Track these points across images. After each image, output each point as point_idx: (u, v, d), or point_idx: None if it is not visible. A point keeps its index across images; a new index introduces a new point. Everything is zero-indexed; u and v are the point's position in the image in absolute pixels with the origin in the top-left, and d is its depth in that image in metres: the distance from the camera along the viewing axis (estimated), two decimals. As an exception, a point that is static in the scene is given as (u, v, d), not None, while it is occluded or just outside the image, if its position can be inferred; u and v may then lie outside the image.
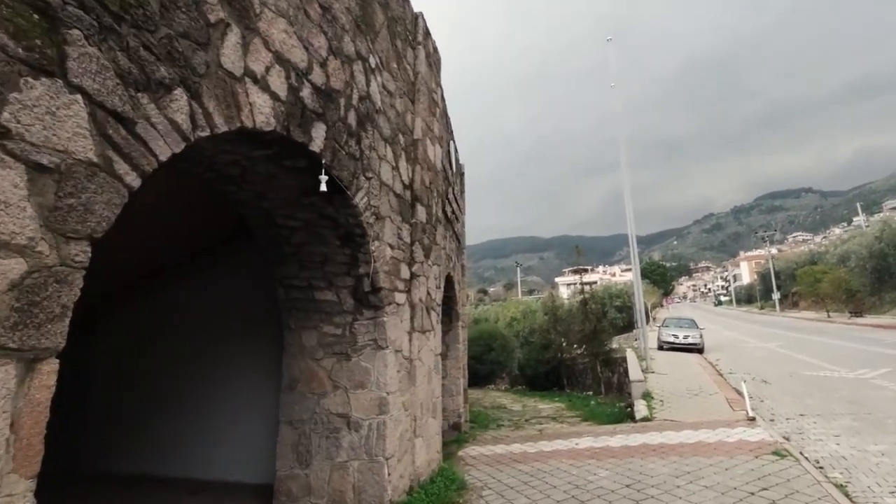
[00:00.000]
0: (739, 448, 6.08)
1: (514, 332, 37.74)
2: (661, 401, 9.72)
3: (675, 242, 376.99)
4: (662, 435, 7.23)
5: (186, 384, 6.62)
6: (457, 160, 10.64)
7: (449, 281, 9.04)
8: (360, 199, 4.34)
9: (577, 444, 7.46)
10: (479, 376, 32.42)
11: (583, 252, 25.74)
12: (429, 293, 5.99)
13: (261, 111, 2.79)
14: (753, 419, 7.49)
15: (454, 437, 9.38)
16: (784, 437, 6.53)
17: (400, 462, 4.87)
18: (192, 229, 6.23)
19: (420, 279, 5.77)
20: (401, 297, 5.22)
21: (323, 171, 3.61)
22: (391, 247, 5.02)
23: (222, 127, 2.50)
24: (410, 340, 5.41)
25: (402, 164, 5.47)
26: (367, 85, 4.52)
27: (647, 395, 10.10)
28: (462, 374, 10.26)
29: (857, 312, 35.91)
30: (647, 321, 38.38)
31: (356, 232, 4.45)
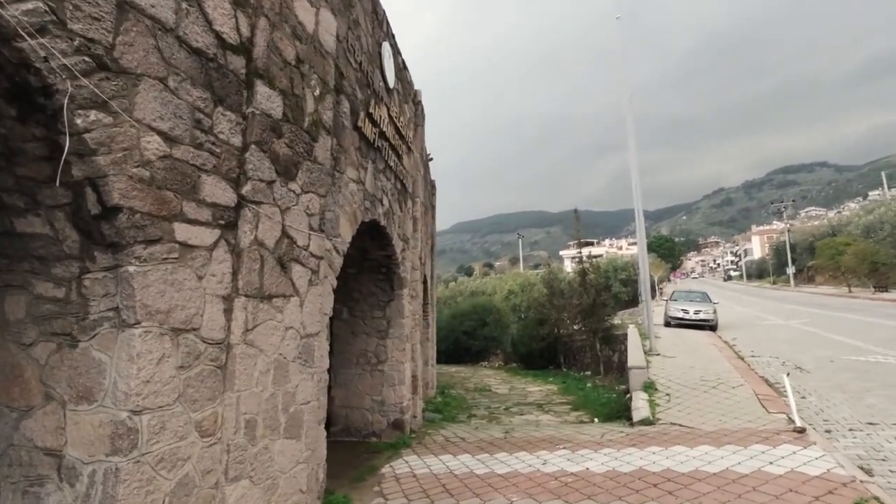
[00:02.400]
0: (795, 490, 3.75)
1: (512, 305, 35.48)
2: (668, 395, 7.38)
3: (685, 218, 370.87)
4: (669, 453, 4.92)
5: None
6: (406, 81, 8.12)
7: (380, 232, 6.66)
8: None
9: (544, 463, 5.17)
10: (473, 353, 30.47)
11: (581, 219, 23.14)
12: (289, 237, 3.62)
13: None
14: (803, 431, 5.14)
15: (393, 439, 7.16)
16: (863, 469, 4.19)
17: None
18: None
19: (266, 209, 3.39)
20: (198, 234, 2.85)
21: None
22: (165, 136, 2.62)
23: None
24: (229, 313, 3.06)
25: (218, 1, 3.03)
26: None
27: (649, 386, 7.77)
28: (412, 358, 7.98)
29: (882, 287, 33.24)
30: (654, 296, 36.03)
31: (44, 82, 2.08)
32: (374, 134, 5.88)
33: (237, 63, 3.27)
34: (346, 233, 5.03)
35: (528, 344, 23.97)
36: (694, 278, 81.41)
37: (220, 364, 3.01)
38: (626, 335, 17.05)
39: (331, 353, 7.88)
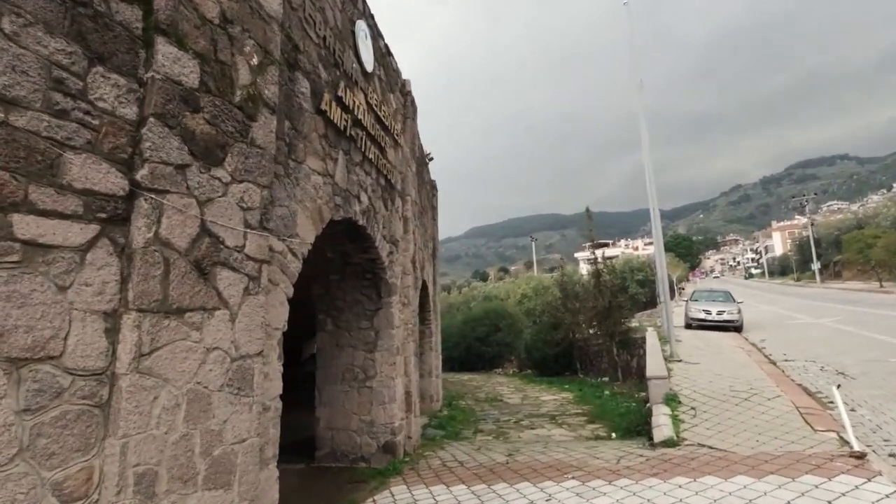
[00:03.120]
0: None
1: (525, 310, 34.56)
2: (693, 408, 6.50)
3: (701, 216, 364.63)
4: (699, 486, 4.06)
5: None
6: (392, 68, 7.41)
7: (359, 233, 5.92)
8: None
9: (548, 499, 4.34)
10: (486, 359, 29.58)
11: (595, 220, 22.22)
12: (212, 235, 2.90)
13: None
14: (863, 456, 4.25)
15: (384, 464, 6.37)
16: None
17: None
18: None
19: (175, 199, 2.67)
20: (57, 231, 2.14)
21: None
22: (-4, 97, 1.92)
23: None
24: (114, 333, 2.34)
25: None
26: None
27: (671, 399, 6.89)
28: (405, 373, 7.21)
29: (917, 281, 31.59)
30: (673, 296, 34.79)
31: None
32: (346, 121, 5.16)
33: (129, 14, 2.56)
34: (308, 232, 4.30)
35: (542, 349, 23.07)
36: (715, 277, 79.13)
37: (100, 402, 2.28)
38: (644, 339, 16.08)
39: (315, 369, 7.19)
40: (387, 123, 6.70)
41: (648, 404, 7.45)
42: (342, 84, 5.10)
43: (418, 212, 9.99)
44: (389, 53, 7.32)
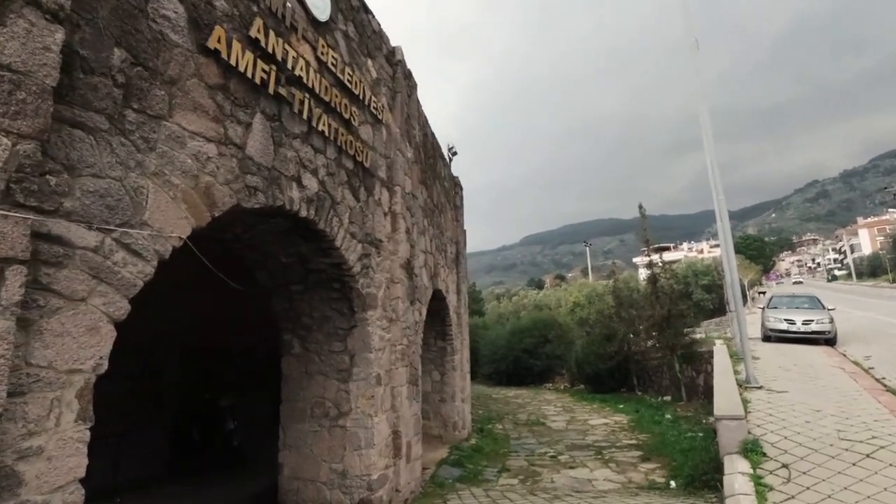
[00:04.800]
0: None
1: (578, 319, 32.23)
2: (785, 466, 4.52)
3: (773, 215, 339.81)
4: None
5: None
6: (369, 28, 6.00)
7: (313, 230, 4.50)
8: None
9: None
10: (535, 373, 27.58)
11: (655, 223, 19.87)
12: None
13: None
14: None
15: (355, 532, 4.87)
16: None
17: None
18: None
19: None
20: None
21: None
22: None
23: None
24: None
25: None
26: None
27: (751, 450, 4.91)
28: (392, 407, 5.69)
29: None
30: (744, 302, 31.27)
31: None
32: (267, 74, 3.75)
33: None
34: (176, 222, 2.90)
35: (594, 363, 20.92)
36: (797, 283, 71.77)
37: None
38: (712, 353, 13.74)
39: (279, 402, 5.81)
40: (356, 92, 5.26)
41: (718, 451, 5.51)
42: (260, 23, 3.71)
43: (429, 209, 8.51)
44: (366, 10, 5.91)
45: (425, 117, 8.80)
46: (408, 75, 7.22)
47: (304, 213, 4.25)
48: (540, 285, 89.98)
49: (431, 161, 9.19)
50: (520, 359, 27.33)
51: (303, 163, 4.27)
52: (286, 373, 5.64)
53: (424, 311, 7.78)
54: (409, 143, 7.00)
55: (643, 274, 29.87)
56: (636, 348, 19.36)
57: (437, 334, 10.42)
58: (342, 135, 4.92)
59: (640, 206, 18.84)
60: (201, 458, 8.19)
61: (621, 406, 16.84)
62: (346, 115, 5.02)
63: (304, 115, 4.28)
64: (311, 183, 4.38)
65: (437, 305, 9.93)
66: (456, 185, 12.17)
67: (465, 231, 16.51)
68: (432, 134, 9.53)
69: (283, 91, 3.96)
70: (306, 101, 4.29)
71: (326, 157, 4.69)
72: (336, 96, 4.81)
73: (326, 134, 4.64)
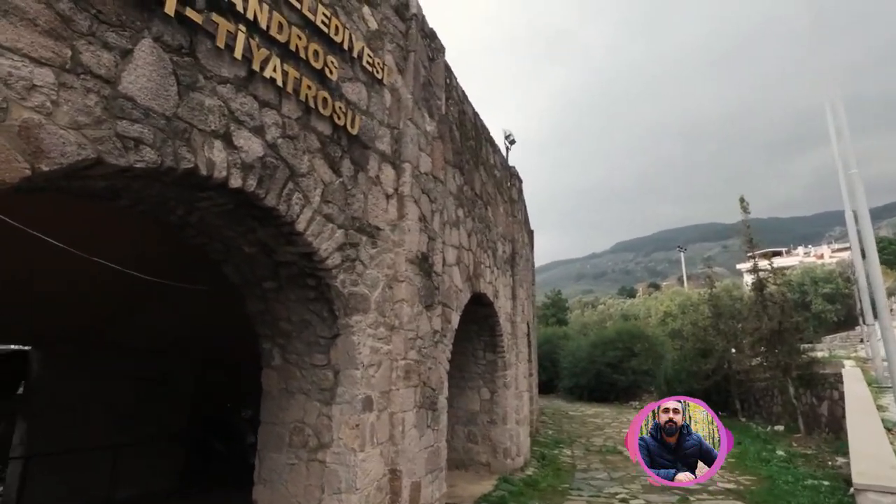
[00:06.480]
0: None
1: (670, 331, 29.16)
2: None
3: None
4: None
5: None
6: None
7: (259, 207, 3.43)
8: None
9: None
10: (618, 389, 25.29)
11: (764, 227, 17.00)
12: None
13: None
14: None
15: None
16: None
17: None
18: None
19: None
20: None
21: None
22: None
23: None
24: None
25: None
26: None
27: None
28: (389, 440, 4.49)
29: None
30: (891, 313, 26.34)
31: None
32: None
33: None
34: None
35: (687, 382, 18.35)
36: None
37: None
38: (838, 377, 11.08)
39: (257, 423, 4.80)
40: (337, 39, 4.17)
41: (850, 485, 3.67)
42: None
43: (467, 198, 7.27)
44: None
45: (462, 92, 7.57)
46: (429, 35, 6.05)
47: (235, 184, 3.19)
48: (631, 294, 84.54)
49: (472, 144, 7.93)
50: (602, 373, 25.10)
51: (234, 116, 3.22)
52: (266, 388, 4.64)
53: (456, 318, 6.51)
54: (428, 113, 5.81)
55: (748, 280, 26.21)
56: (738, 367, 16.62)
57: (485, 346, 9.08)
58: (309, 88, 3.83)
59: (742, 200, 16.14)
60: (220, 470, 7.53)
61: (720, 435, 14.25)
62: (318, 65, 3.93)
63: (239, 54, 3.23)
64: (250, 144, 3.31)
65: (484, 312, 8.62)
66: (512, 175, 10.78)
67: (530, 230, 14.96)
68: (475, 113, 8.27)
69: (194, 16, 2.94)
70: (241, 36, 3.25)
71: (281, 113, 3.62)
72: (299, 38, 3.74)
73: (281, 84, 3.57)
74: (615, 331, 28.23)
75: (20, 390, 7.75)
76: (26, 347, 7.24)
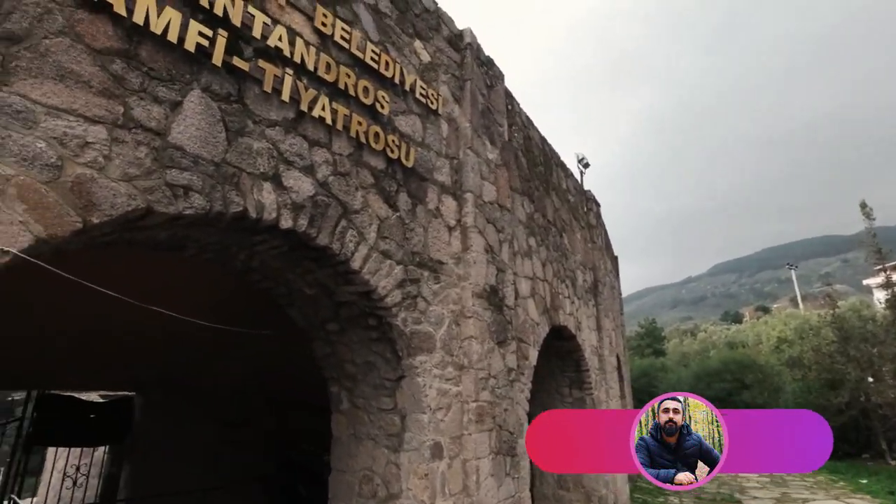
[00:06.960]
0: None
1: (786, 359, 26.14)
2: None
3: None
4: None
5: None
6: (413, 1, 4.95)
7: (309, 246, 3.37)
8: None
9: None
10: (730, 426, 22.68)
11: (888, 232, 15.01)
12: None
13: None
14: None
15: None
16: None
17: None
18: None
19: None
20: None
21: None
22: None
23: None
24: None
25: None
26: None
27: None
28: (462, 491, 4.14)
29: None
30: None
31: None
32: (209, 41, 2.83)
33: None
34: (6, 230, 2.00)
35: (815, 419, 15.92)
36: None
37: None
38: None
39: (327, 470, 4.64)
40: (387, 74, 4.15)
41: None
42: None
43: (538, 226, 6.95)
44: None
45: (527, 117, 7.35)
46: (486, 63, 5.94)
47: (286, 224, 3.16)
48: (737, 319, 77.31)
49: (541, 170, 7.63)
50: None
51: (284, 157, 3.22)
52: (335, 434, 4.50)
53: (534, 354, 6.08)
54: (489, 141, 5.63)
55: (881, 297, 22.87)
56: (880, 399, 14.27)
57: (570, 382, 8.45)
58: (359, 124, 3.80)
59: (864, 206, 14.24)
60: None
61: (864, 481, 12.32)
62: (368, 101, 3.90)
63: (286, 97, 3.25)
64: (300, 184, 3.29)
65: (567, 346, 8.06)
66: (588, 199, 10.26)
67: (613, 256, 14.13)
68: (542, 138, 8.00)
69: (241, 64, 3.00)
70: (289, 79, 3.28)
71: (332, 151, 3.59)
72: (348, 76, 3.74)
73: (330, 122, 3.55)
74: (720, 360, 25.72)
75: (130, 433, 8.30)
76: (131, 393, 7.80)
